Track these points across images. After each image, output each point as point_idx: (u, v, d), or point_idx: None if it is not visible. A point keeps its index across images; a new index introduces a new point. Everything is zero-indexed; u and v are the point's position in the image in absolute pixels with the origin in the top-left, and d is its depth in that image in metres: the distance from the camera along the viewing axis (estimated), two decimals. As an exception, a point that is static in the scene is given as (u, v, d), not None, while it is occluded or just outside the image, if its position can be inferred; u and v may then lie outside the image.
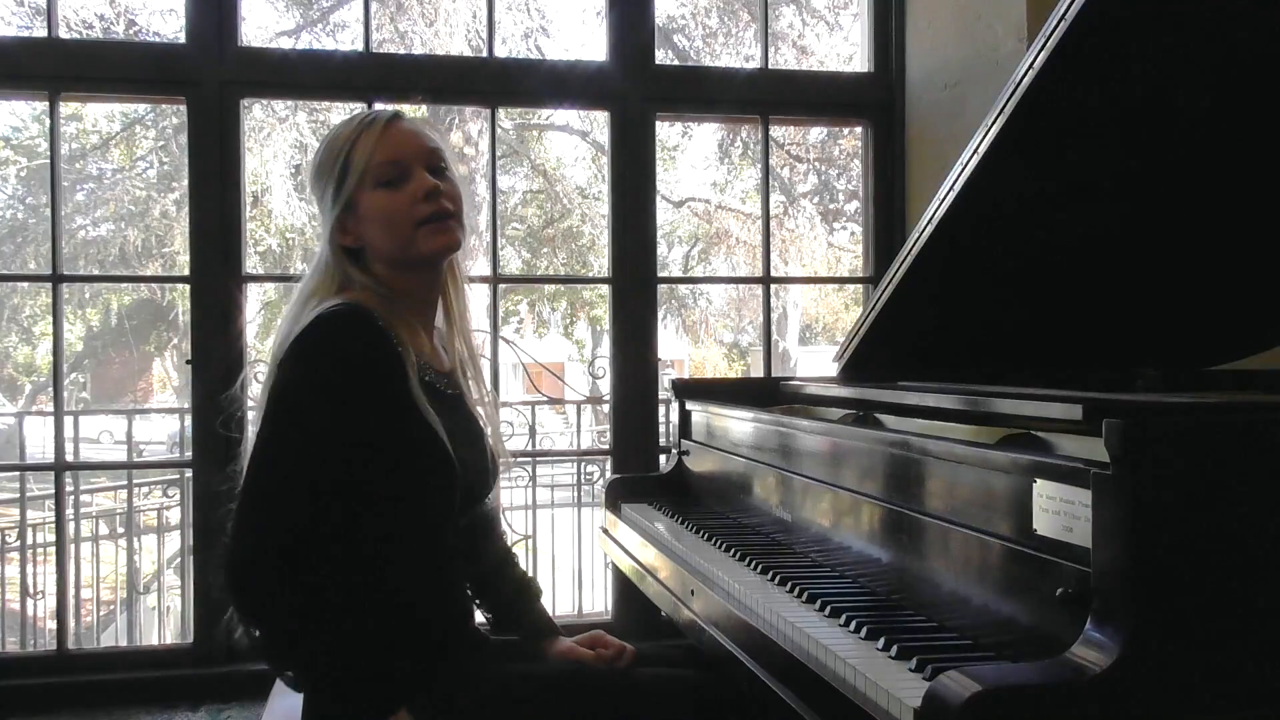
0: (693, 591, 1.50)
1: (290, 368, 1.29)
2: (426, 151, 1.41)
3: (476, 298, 1.71)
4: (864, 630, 1.13)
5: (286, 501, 1.28)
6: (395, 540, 1.35)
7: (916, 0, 3.28)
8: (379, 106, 1.48)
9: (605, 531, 2.11)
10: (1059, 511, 0.97)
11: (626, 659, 1.51)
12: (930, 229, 1.56)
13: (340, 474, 1.28)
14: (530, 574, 1.66)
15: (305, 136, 9.41)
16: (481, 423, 1.50)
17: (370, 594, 1.33)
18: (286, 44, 8.88)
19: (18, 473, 3.65)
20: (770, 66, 3.48)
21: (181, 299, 9.87)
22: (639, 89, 3.21)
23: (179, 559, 4.52)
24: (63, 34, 3.62)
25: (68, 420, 3.20)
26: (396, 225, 1.39)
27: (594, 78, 3.24)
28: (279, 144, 9.21)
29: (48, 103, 2.98)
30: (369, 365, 1.30)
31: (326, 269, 1.42)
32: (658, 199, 3.29)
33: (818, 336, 12.89)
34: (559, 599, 4.07)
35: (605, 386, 3.36)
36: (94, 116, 10.25)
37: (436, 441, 1.32)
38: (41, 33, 3.08)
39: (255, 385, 3.20)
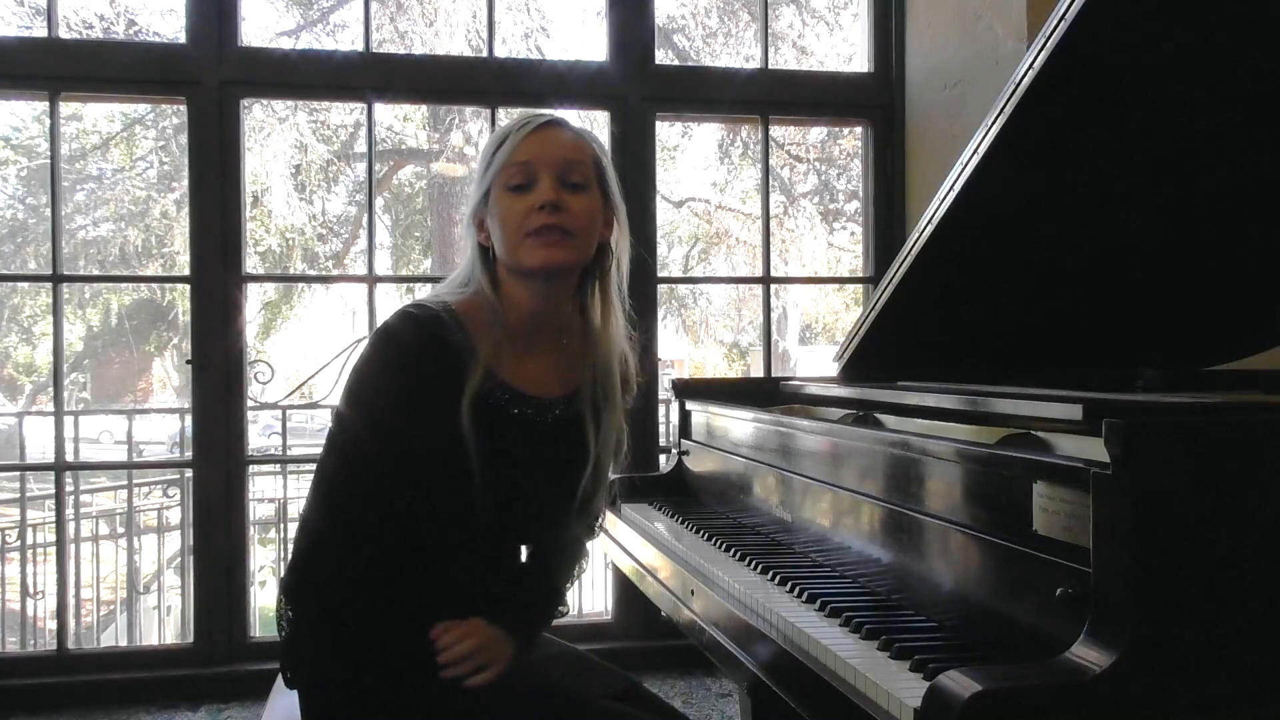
0: (693, 591, 1.50)
1: (361, 354, 1.38)
2: (560, 162, 1.39)
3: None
4: (864, 630, 1.13)
5: (333, 473, 1.36)
6: (402, 535, 1.35)
7: (916, 0, 3.28)
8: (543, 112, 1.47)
9: (605, 531, 2.11)
10: (1059, 511, 0.97)
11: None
12: (930, 229, 1.56)
13: (372, 459, 1.32)
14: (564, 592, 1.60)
15: (305, 136, 9.41)
16: (585, 458, 1.45)
17: (374, 582, 1.34)
18: (286, 44, 8.86)
19: (18, 473, 3.66)
20: (770, 66, 3.49)
21: (181, 299, 9.84)
22: (639, 89, 3.21)
23: (179, 559, 4.52)
24: (63, 34, 3.62)
25: (68, 420, 3.20)
26: (509, 230, 1.38)
27: (594, 78, 3.24)
28: (279, 144, 9.20)
29: (48, 103, 2.98)
30: (409, 368, 1.33)
31: (467, 260, 1.44)
32: (658, 199, 3.29)
33: (818, 336, 12.87)
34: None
35: (605, 386, 3.36)
36: (94, 116, 10.24)
37: (460, 456, 1.31)
38: (41, 33, 3.08)
39: (256, 385, 3.20)
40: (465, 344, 1.35)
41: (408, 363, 1.33)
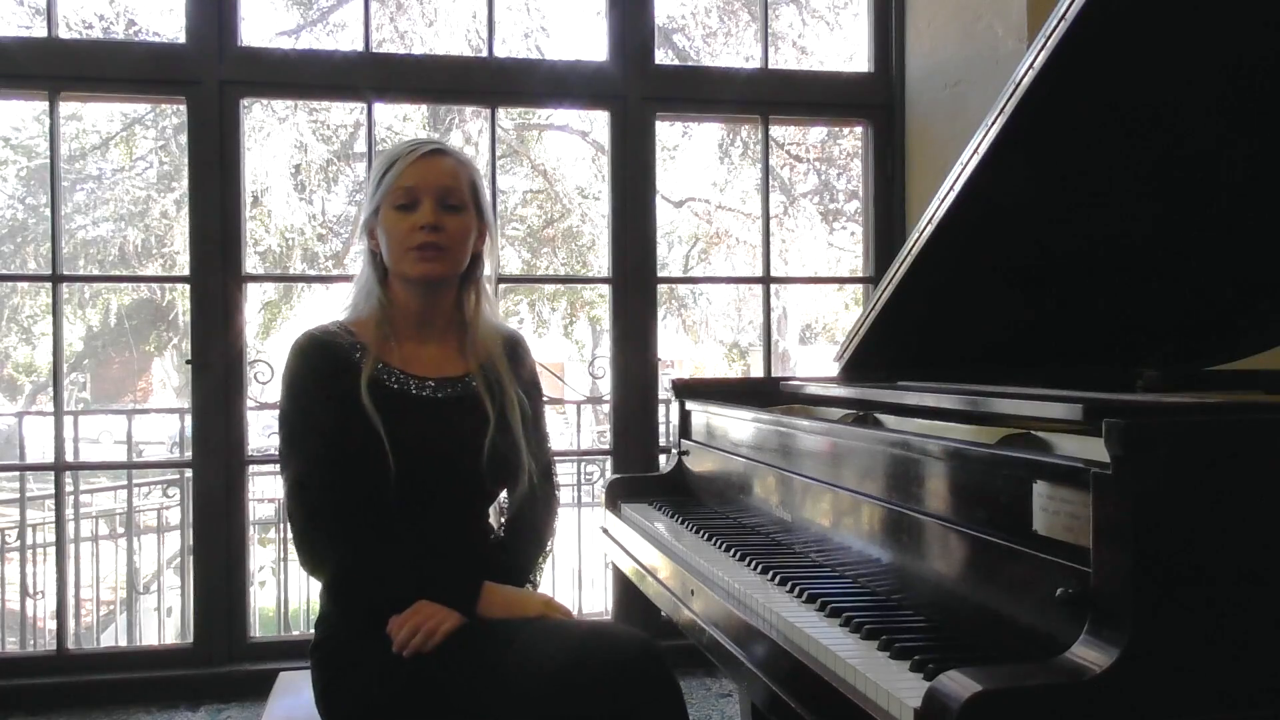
0: (693, 591, 1.50)
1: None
2: (441, 188, 1.63)
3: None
4: (864, 630, 1.13)
5: (284, 461, 1.63)
6: (344, 505, 1.58)
7: (916, 0, 3.28)
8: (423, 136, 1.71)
9: (605, 531, 2.11)
10: (1059, 511, 0.97)
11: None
12: (930, 229, 1.56)
13: (304, 446, 1.59)
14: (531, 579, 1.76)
15: (305, 136, 9.40)
16: (485, 421, 1.66)
17: (340, 551, 1.57)
18: (286, 44, 8.86)
19: (18, 473, 3.65)
20: (770, 66, 3.49)
21: (181, 299, 9.84)
22: (639, 89, 3.21)
23: (179, 559, 4.52)
24: (63, 34, 3.62)
25: (68, 420, 3.20)
26: (394, 245, 1.64)
27: (594, 78, 3.24)
28: (279, 144, 9.20)
29: (47, 103, 2.98)
30: (310, 370, 1.62)
31: (363, 267, 1.72)
32: (658, 199, 3.29)
33: (818, 336, 12.86)
34: (560, 599, 4.07)
35: (605, 386, 3.36)
36: (94, 117, 10.23)
37: (370, 431, 1.56)
38: (41, 33, 3.08)
39: (255, 385, 3.20)
40: (354, 342, 1.64)
41: (308, 366, 1.61)
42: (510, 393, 1.70)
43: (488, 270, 1.76)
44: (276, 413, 1.67)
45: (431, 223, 1.61)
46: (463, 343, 1.73)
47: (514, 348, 1.79)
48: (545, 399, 1.88)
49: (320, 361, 1.62)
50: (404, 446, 1.57)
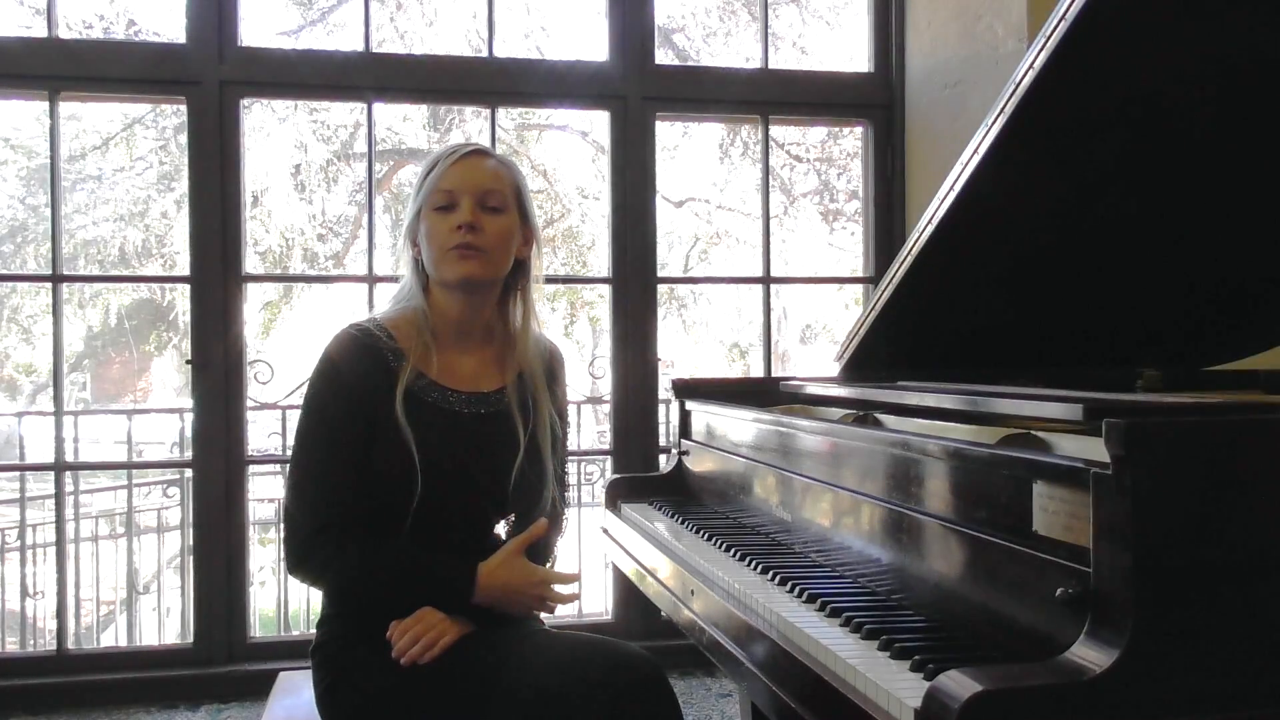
0: (692, 591, 1.50)
1: (313, 368, 1.61)
2: (480, 189, 1.59)
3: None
4: (864, 630, 1.13)
5: (299, 470, 1.57)
6: (358, 516, 1.55)
7: (916, 0, 3.28)
8: (460, 139, 1.71)
9: (605, 531, 2.11)
10: (1059, 511, 0.97)
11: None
12: (930, 229, 1.56)
13: (323, 453, 1.55)
14: None
15: (305, 136, 9.40)
16: (515, 445, 1.62)
17: (338, 555, 1.53)
18: (286, 44, 8.85)
19: (18, 473, 3.66)
20: (770, 66, 3.49)
21: (181, 299, 9.82)
22: (639, 89, 3.21)
23: (179, 559, 4.52)
24: (62, 34, 3.62)
25: (68, 420, 3.20)
26: (433, 246, 1.60)
27: (594, 77, 3.24)
28: (279, 144, 9.20)
29: (47, 103, 2.98)
30: (344, 372, 1.56)
31: (406, 276, 1.67)
32: (658, 199, 3.29)
33: (818, 336, 12.86)
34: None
35: (605, 386, 3.36)
36: (94, 117, 10.22)
37: (401, 443, 1.52)
38: (41, 33, 3.08)
39: (255, 385, 3.20)
40: (393, 348, 1.58)
41: (342, 368, 1.56)
42: (543, 411, 1.67)
43: (534, 276, 1.71)
44: (301, 404, 1.60)
45: (469, 221, 1.57)
46: (502, 354, 1.69)
47: (551, 363, 1.75)
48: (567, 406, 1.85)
49: (354, 365, 1.56)
50: (433, 465, 1.54)
